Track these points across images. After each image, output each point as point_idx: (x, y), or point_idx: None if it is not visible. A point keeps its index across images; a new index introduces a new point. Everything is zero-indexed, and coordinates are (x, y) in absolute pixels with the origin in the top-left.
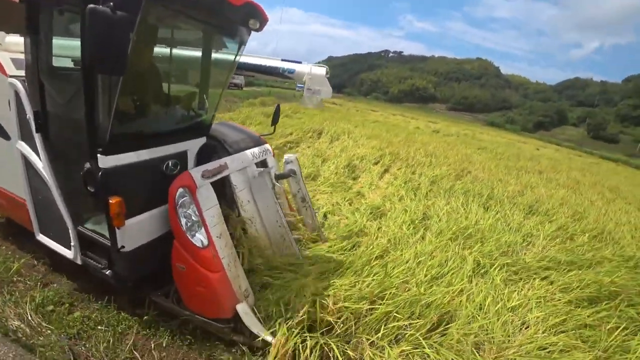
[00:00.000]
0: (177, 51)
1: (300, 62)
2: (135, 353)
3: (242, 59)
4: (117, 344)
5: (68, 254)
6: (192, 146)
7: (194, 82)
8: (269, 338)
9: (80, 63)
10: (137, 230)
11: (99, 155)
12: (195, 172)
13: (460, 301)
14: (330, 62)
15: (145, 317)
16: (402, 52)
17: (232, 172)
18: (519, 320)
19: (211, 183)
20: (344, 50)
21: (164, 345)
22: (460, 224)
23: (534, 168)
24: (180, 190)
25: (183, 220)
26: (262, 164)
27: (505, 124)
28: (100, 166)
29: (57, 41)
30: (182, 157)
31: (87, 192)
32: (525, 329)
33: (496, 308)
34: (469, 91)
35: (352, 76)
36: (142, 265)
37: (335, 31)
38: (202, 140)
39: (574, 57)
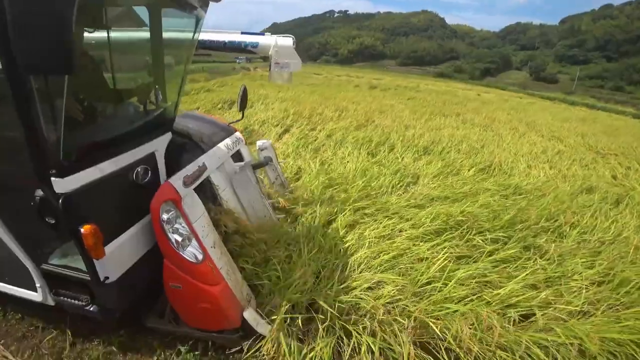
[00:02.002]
0: (117, 33)
1: (262, 34)
2: None
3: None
4: None
5: (35, 296)
6: (159, 145)
7: (148, 71)
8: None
9: None
10: (120, 255)
11: (52, 178)
12: (176, 181)
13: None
14: (275, 29)
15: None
16: (347, 10)
17: (211, 172)
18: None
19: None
20: (288, 16)
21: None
22: (333, 172)
23: (454, 111)
24: (164, 205)
25: (172, 237)
26: (237, 155)
27: (453, 73)
28: (57, 192)
29: None
30: (150, 160)
31: (46, 225)
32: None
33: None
34: (417, 45)
35: (299, 41)
36: (131, 291)
37: None
38: (168, 137)
39: (516, 2)
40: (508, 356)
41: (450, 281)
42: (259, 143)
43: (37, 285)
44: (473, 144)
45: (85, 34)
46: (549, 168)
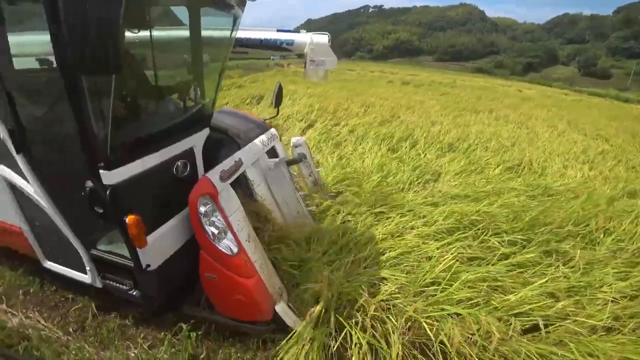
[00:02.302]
0: (159, 33)
1: (298, 32)
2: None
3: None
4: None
5: (85, 278)
6: (197, 140)
7: (189, 69)
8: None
9: (49, 63)
10: (160, 245)
11: (101, 171)
12: (214, 176)
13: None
14: (309, 25)
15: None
16: (382, 5)
17: (247, 167)
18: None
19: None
20: (322, 12)
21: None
22: (350, 167)
23: (487, 108)
24: (202, 198)
25: (209, 230)
26: (272, 150)
27: (493, 69)
28: (105, 183)
29: (14, 38)
30: (189, 154)
31: (95, 213)
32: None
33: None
34: (455, 39)
35: (333, 37)
36: (170, 279)
37: None
38: (206, 132)
39: None
40: None
41: (456, 282)
42: (293, 140)
43: (87, 268)
44: (503, 142)
45: (128, 34)
46: (588, 169)
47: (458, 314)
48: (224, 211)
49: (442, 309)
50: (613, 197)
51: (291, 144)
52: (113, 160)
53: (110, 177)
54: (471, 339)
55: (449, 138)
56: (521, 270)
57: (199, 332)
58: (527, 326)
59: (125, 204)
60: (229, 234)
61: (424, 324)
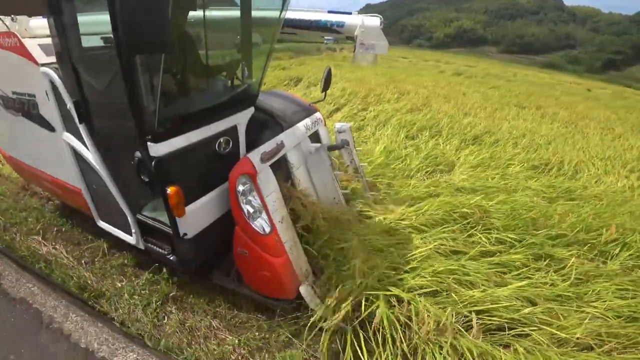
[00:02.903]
0: (210, 12)
1: (349, 13)
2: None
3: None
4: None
5: (130, 239)
6: (242, 119)
7: (237, 48)
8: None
9: (110, 41)
10: (198, 216)
11: (149, 143)
12: (254, 156)
13: None
14: (368, 10)
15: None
16: None
17: (288, 150)
18: None
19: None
20: None
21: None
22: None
23: (535, 104)
24: (241, 177)
25: (245, 208)
26: (315, 135)
27: (566, 64)
28: (151, 155)
29: (82, 18)
30: (232, 132)
31: (142, 182)
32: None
33: None
34: (524, 29)
35: (392, 24)
36: (205, 248)
37: None
38: (251, 111)
39: None
40: (429, 351)
41: (423, 271)
42: (337, 125)
43: (133, 231)
44: (537, 139)
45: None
46: (636, 178)
47: (401, 300)
48: (260, 192)
49: (388, 290)
50: None
51: (335, 130)
52: (160, 134)
53: (157, 149)
54: (400, 322)
55: (476, 130)
56: (503, 270)
57: (177, 277)
58: (491, 326)
59: (168, 175)
60: (264, 214)
61: (363, 302)
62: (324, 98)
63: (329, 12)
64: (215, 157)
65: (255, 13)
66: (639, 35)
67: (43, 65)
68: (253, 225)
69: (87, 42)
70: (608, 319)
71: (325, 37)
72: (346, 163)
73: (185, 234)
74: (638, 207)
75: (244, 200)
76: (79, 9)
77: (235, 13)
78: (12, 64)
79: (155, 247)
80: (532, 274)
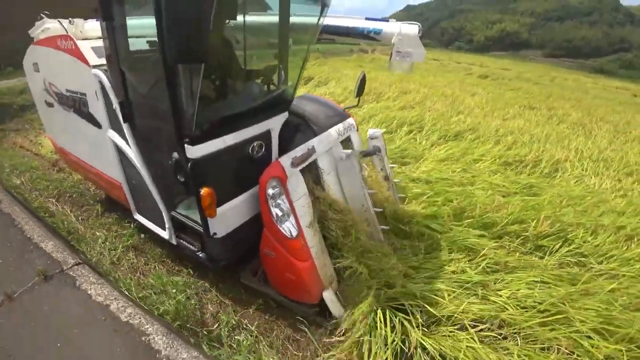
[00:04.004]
0: (250, 18)
1: (387, 20)
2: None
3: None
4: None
5: (164, 234)
6: (275, 124)
7: (273, 53)
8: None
9: (155, 45)
10: (229, 217)
11: (186, 145)
12: (285, 161)
13: None
14: (408, 12)
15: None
16: None
17: (319, 155)
18: None
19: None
20: None
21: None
22: None
23: (549, 105)
24: (271, 181)
25: (274, 211)
26: (347, 140)
27: (618, 69)
28: (188, 157)
29: (131, 21)
30: (266, 136)
31: (177, 181)
32: None
33: None
34: (573, 32)
35: (432, 26)
36: (234, 248)
37: None
38: (285, 116)
39: None
40: None
41: None
42: (370, 132)
43: (167, 226)
44: (523, 137)
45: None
46: (632, 182)
47: None
48: (290, 196)
49: None
50: (608, 212)
51: (368, 136)
52: (197, 137)
53: (193, 151)
54: None
55: (460, 127)
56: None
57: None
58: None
59: (203, 177)
60: (292, 218)
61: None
62: (358, 103)
63: (367, 19)
64: (248, 160)
65: (293, 19)
66: None
67: (94, 67)
68: (281, 228)
69: (134, 45)
70: (506, 307)
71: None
72: (377, 170)
73: (215, 234)
74: (604, 206)
75: (273, 204)
76: (129, 13)
77: (274, 19)
78: (67, 65)
79: (186, 243)
80: (444, 262)
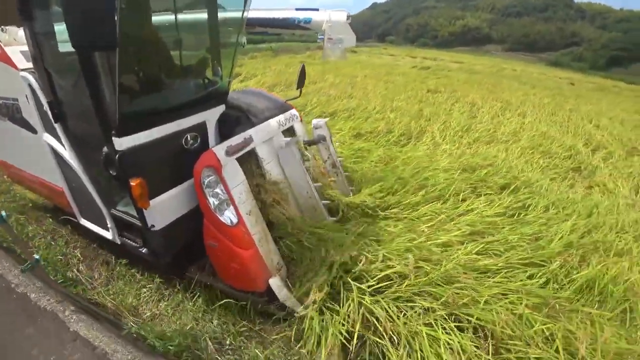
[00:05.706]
0: (181, 16)
1: (317, 9)
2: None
3: (251, 13)
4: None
5: (107, 235)
6: (211, 116)
7: (204, 47)
8: (299, 310)
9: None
10: (164, 209)
11: (113, 137)
12: (219, 150)
13: None
14: (374, 9)
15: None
16: None
17: (257, 145)
18: None
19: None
20: None
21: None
22: None
23: (460, 90)
24: (205, 170)
25: (211, 200)
26: (290, 131)
27: (571, 62)
28: (116, 149)
29: (49, 23)
30: (201, 128)
31: (110, 176)
32: None
33: None
34: (530, 27)
35: (397, 23)
36: (175, 241)
37: None
38: (221, 109)
39: None
40: None
41: None
42: (314, 121)
43: (109, 226)
44: (393, 114)
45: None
46: (505, 150)
47: None
48: (226, 184)
49: None
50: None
51: (312, 125)
52: (123, 128)
53: (121, 143)
54: None
55: (341, 106)
56: None
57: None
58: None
59: (132, 168)
60: (231, 206)
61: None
62: (300, 95)
63: (297, 9)
64: (182, 152)
65: (221, 13)
66: None
67: (23, 70)
68: (220, 217)
69: (64, 47)
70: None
71: (319, 36)
72: (324, 158)
73: (152, 226)
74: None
75: (210, 193)
76: (46, 15)
77: (203, 13)
78: None
79: (129, 241)
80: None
